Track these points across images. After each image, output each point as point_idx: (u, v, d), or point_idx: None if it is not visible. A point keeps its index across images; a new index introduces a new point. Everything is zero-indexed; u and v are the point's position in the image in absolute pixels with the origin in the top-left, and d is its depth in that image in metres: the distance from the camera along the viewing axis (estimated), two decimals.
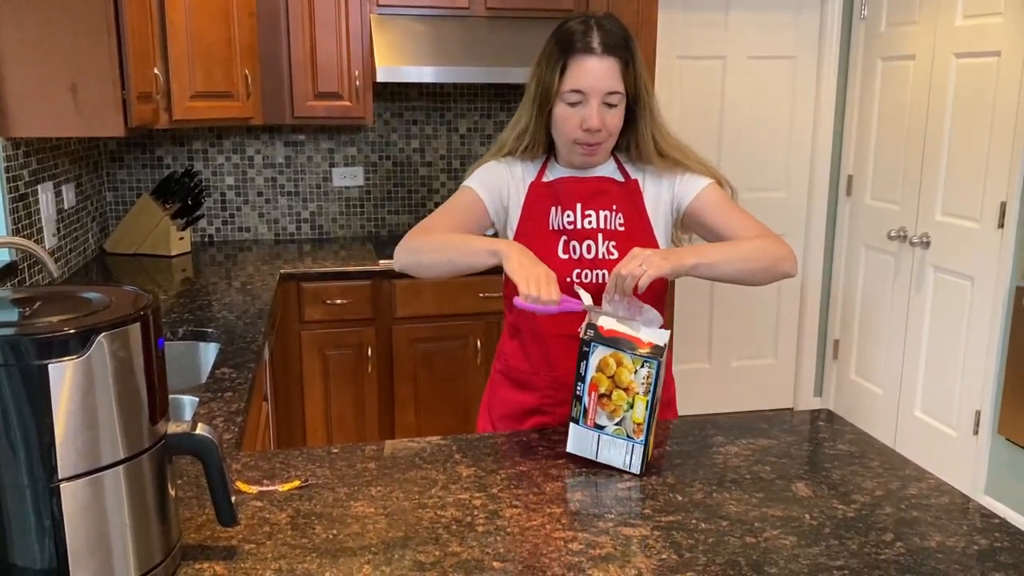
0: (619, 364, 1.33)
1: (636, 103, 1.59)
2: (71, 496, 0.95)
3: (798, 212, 4.25)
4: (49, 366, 0.92)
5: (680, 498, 1.30)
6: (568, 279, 1.60)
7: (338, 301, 3.16)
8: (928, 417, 3.64)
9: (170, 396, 1.10)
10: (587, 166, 1.65)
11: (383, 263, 3.20)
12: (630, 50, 1.56)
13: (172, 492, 1.08)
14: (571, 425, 1.40)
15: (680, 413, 1.81)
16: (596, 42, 1.53)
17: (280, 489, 1.30)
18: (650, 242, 1.65)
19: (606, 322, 1.38)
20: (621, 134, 1.62)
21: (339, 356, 3.20)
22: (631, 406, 1.33)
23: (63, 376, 0.92)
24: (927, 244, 3.57)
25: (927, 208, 3.57)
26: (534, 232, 1.65)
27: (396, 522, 1.21)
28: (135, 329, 0.99)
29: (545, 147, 1.67)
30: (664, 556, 1.13)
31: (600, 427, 1.37)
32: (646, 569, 1.10)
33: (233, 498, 1.12)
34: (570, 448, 1.41)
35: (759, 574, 1.09)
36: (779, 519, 1.24)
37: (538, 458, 1.44)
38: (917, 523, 1.24)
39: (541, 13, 3.41)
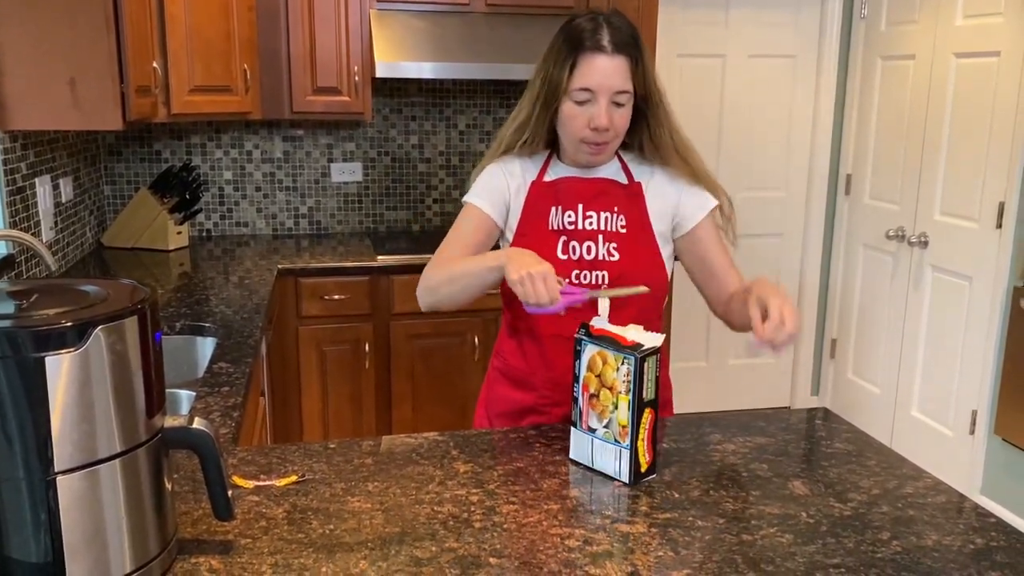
0: (604, 362, 1.34)
1: (646, 102, 1.58)
2: (67, 489, 0.95)
3: (797, 211, 4.25)
4: (46, 359, 0.92)
5: (677, 495, 1.30)
6: (567, 280, 1.60)
7: (336, 297, 3.16)
8: (925, 416, 3.65)
9: (167, 390, 1.10)
10: (592, 164, 1.64)
11: (381, 259, 3.20)
12: (639, 49, 1.54)
13: (168, 486, 1.08)
14: (571, 429, 1.41)
15: (677, 411, 1.81)
16: (606, 40, 1.51)
17: (277, 484, 1.30)
18: (650, 245, 1.65)
19: (597, 321, 1.38)
20: (629, 133, 1.61)
21: (336, 352, 3.20)
22: (616, 407, 1.33)
23: (60, 369, 0.92)
24: (925, 244, 3.57)
25: (926, 208, 3.58)
26: (533, 232, 1.64)
27: (393, 518, 1.21)
28: (132, 323, 0.99)
29: (546, 142, 1.66)
30: (660, 553, 1.13)
31: (592, 430, 1.37)
32: (642, 566, 1.10)
33: (229, 493, 1.11)
34: (572, 454, 1.42)
35: (755, 572, 1.09)
36: (776, 517, 1.24)
37: (535, 454, 1.44)
38: (913, 522, 1.24)
39: (541, 10, 3.41)
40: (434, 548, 1.13)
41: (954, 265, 3.43)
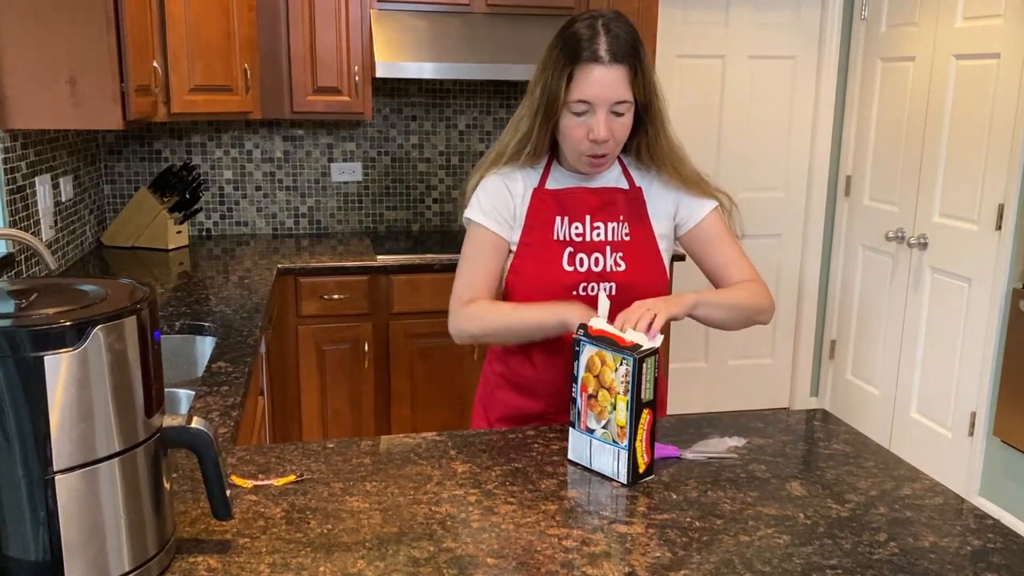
0: (603, 363, 1.34)
1: (646, 110, 1.56)
2: (66, 488, 0.95)
3: (796, 212, 4.25)
4: (45, 358, 0.92)
5: (675, 496, 1.30)
6: (574, 292, 1.60)
7: (335, 296, 3.16)
8: (923, 418, 3.65)
9: (166, 389, 1.10)
10: (594, 174, 1.64)
11: (380, 259, 3.20)
12: (639, 56, 1.50)
13: (167, 485, 1.08)
14: (570, 430, 1.41)
15: (676, 412, 1.81)
16: (603, 50, 1.47)
17: (275, 483, 1.30)
18: (653, 250, 1.65)
19: (595, 322, 1.39)
20: (629, 138, 1.59)
21: (336, 351, 3.20)
22: (614, 407, 1.34)
23: (59, 368, 0.92)
24: (925, 245, 3.57)
25: (925, 209, 3.58)
26: (538, 242, 1.63)
27: (391, 517, 1.21)
28: (131, 322, 0.99)
29: (548, 150, 1.64)
30: (658, 554, 1.13)
31: (591, 431, 1.37)
32: (640, 567, 1.10)
33: (228, 492, 1.12)
34: (570, 455, 1.42)
35: (753, 573, 1.10)
36: (773, 518, 1.24)
37: (533, 455, 1.44)
38: (911, 523, 1.24)
39: (541, 10, 3.41)
40: (432, 548, 1.13)
41: (953, 267, 3.43)
